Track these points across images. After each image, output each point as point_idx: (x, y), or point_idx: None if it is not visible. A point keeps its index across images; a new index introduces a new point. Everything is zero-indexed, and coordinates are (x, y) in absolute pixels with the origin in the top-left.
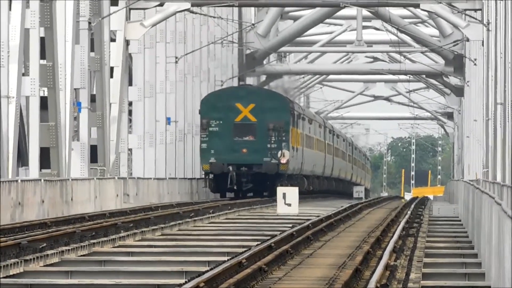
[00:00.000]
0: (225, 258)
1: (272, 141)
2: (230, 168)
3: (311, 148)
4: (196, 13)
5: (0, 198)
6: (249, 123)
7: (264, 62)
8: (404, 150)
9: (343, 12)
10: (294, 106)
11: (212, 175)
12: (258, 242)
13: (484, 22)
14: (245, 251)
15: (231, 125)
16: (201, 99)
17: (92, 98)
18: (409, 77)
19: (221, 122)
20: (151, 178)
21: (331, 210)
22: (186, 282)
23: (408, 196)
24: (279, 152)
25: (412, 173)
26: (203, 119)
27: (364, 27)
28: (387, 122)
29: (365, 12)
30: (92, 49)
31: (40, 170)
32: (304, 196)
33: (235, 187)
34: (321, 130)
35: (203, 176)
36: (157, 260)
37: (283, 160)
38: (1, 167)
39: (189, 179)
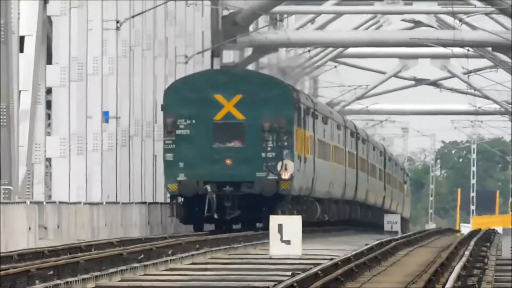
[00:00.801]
0: None
1: (269, 148)
2: (208, 188)
3: (326, 158)
4: None
5: None
6: (235, 123)
7: (250, 28)
8: (461, 160)
9: None
10: (300, 96)
11: (182, 199)
12: None
13: None
14: None
15: (208, 125)
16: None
17: None
18: (468, 50)
19: (193, 121)
20: (80, 203)
21: (351, 251)
22: None
23: (466, 229)
24: (279, 164)
25: (472, 194)
26: (167, 117)
27: None
28: (434, 119)
29: None
30: None
31: None
32: (312, 229)
33: (215, 216)
34: (340, 132)
35: (167, 200)
36: None
37: (285, 175)
38: None
39: (142, 203)
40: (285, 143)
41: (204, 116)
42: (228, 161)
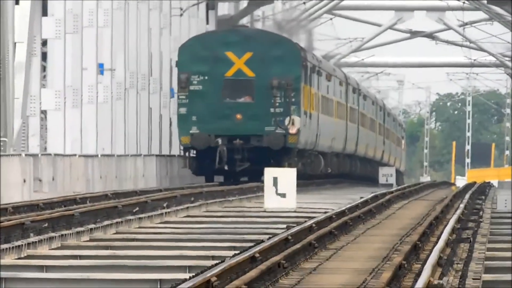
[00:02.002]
0: (186, 275)
1: (277, 104)
2: (219, 141)
3: (329, 114)
4: None
5: None
6: (245, 79)
7: None
8: (456, 113)
9: None
10: (307, 55)
11: (194, 151)
12: (235, 252)
13: None
14: (215, 264)
15: (220, 82)
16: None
17: None
18: (464, 3)
19: (206, 78)
20: (75, 155)
21: (345, 204)
22: None
23: (461, 182)
24: (287, 119)
25: (468, 147)
26: (181, 74)
27: None
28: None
29: None
30: None
31: None
32: (306, 182)
33: (226, 168)
34: (342, 88)
35: (179, 152)
36: (84, 278)
37: (293, 130)
38: None
39: (138, 155)
40: (293, 100)
41: (216, 73)
42: (238, 116)
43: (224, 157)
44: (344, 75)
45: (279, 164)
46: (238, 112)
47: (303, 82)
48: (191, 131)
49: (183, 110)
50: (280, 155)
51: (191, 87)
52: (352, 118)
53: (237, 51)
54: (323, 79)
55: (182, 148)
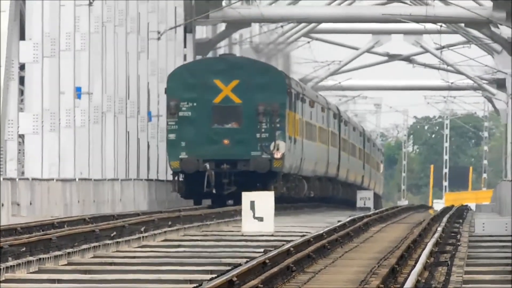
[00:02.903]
0: None
1: (263, 129)
2: (207, 165)
3: (312, 139)
4: None
5: None
6: (232, 106)
7: (223, 3)
8: (434, 136)
9: None
10: (292, 83)
11: (183, 175)
12: (213, 276)
13: None
14: None
15: (208, 108)
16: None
17: None
18: (441, 26)
19: (195, 104)
20: (53, 180)
21: (323, 227)
22: None
23: (439, 205)
24: (272, 144)
25: (445, 170)
26: (170, 101)
27: None
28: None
29: None
30: None
31: None
32: (283, 206)
33: (214, 191)
34: (324, 114)
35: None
36: None
37: (278, 155)
38: None
39: (115, 180)
40: (278, 125)
41: (204, 100)
42: (225, 141)
43: (212, 181)
44: (325, 101)
45: (265, 188)
46: (225, 137)
47: (288, 109)
48: (180, 156)
49: (172, 136)
50: (266, 179)
51: (180, 113)
52: (333, 143)
53: (224, 79)
54: (307, 105)
55: (171, 172)
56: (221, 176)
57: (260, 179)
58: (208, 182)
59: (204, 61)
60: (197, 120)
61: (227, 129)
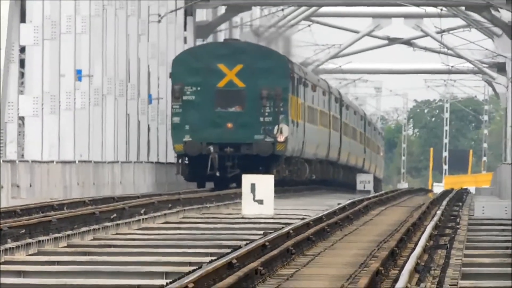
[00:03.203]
0: (163, 281)
1: (266, 113)
2: (211, 148)
3: (314, 123)
4: None
5: None
6: (236, 90)
7: None
8: (433, 119)
9: None
10: (295, 67)
11: (187, 158)
12: (212, 258)
13: None
14: (193, 271)
15: (212, 92)
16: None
17: None
18: (441, 10)
19: (199, 88)
20: (52, 162)
21: (323, 210)
22: None
23: (438, 188)
24: (275, 128)
25: (445, 154)
26: (175, 85)
27: None
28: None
29: None
30: None
31: None
32: (283, 189)
33: (217, 174)
34: (325, 98)
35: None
36: (61, 284)
37: (281, 138)
38: None
39: (115, 162)
40: (281, 109)
41: (208, 84)
42: (229, 125)
43: (216, 164)
44: (327, 85)
45: (268, 171)
46: (229, 121)
47: (291, 93)
48: (184, 139)
49: (176, 119)
50: (269, 162)
51: (185, 97)
52: (335, 127)
53: (228, 63)
54: (309, 89)
55: (175, 155)
56: (225, 159)
57: (263, 162)
58: (211, 165)
59: (208, 45)
60: (201, 104)
61: (230, 113)
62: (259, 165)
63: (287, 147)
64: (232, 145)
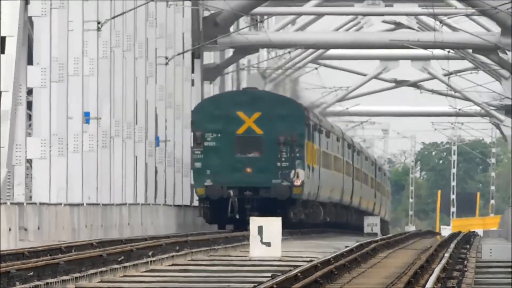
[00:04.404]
0: None
1: (283, 159)
2: (231, 192)
3: (328, 168)
4: None
5: None
6: (255, 136)
7: (231, 29)
8: (441, 162)
9: None
10: (310, 115)
11: (208, 202)
12: None
13: None
14: None
15: (231, 138)
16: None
17: None
18: (448, 52)
19: (219, 135)
20: (60, 204)
21: (331, 253)
22: None
23: (446, 231)
24: (292, 172)
25: (453, 196)
26: (196, 131)
27: None
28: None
29: None
30: None
31: None
32: (290, 231)
33: (237, 216)
34: (339, 144)
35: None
36: None
37: (297, 182)
38: None
39: (123, 204)
40: (297, 155)
41: (228, 131)
42: (248, 169)
43: (236, 207)
44: (341, 131)
45: (285, 213)
46: (248, 166)
47: (307, 139)
48: (205, 183)
49: (198, 164)
50: (286, 205)
51: (206, 143)
52: (348, 172)
53: (247, 111)
54: (323, 135)
55: (197, 199)
56: (244, 202)
57: (281, 205)
58: (232, 208)
59: (227, 94)
60: (221, 150)
61: (249, 158)
62: (277, 208)
63: (303, 190)
64: (251, 188)
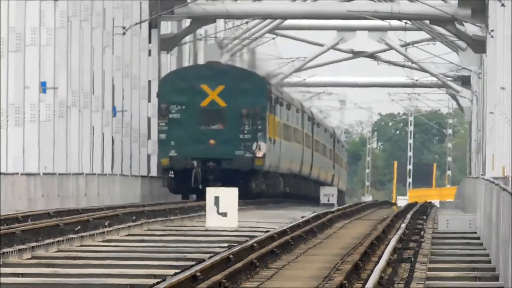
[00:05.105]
0: None
1: (246, 131)
2: (195, 163)
3: (288, 140)
4: None
5: None
6: (218, 109)
7: None
8: (398, 132)
9: None
10: (272, 88)
11: (172, 172)
12: (176, 271)
13: None
14: (156, 283)
15: (196, 111)
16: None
17: None
18: (406, 23)
19: (183, 107)
20: (17, 174)
21: (287, 223)
22: None
23: (402, 202)
24: (254, 144)
25: (409, 167)
26: (161, 103)
27: None
28: (372, 91)
29: None
30: None
31: None
32: (246, 202)
33: (200, 187)
34: (298, 116)
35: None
36: None
37: (259, 154)
38: None
39: (80, 174)
40: (259, 127)
41: (192, 103)
42: (211, 141)
43: (199, 177)
44: (300, 104)
45: (247, 184)
46: (211, 137)
47: (269, 112)
48: (170, 154)
49: (163, 136)
50: (248, 176)
51: (170, 116)
52: (307, 144)
53: (211, 84)
54: (284, 108)
55: (162, 169)
56: (207, 173)
57: (242, 177)
58: (195, 179)
59: (192, 67)
60: (186, 122)
61: (213, 130)
62: (239, 178)
63: (265, 162)
64: (214, 160)
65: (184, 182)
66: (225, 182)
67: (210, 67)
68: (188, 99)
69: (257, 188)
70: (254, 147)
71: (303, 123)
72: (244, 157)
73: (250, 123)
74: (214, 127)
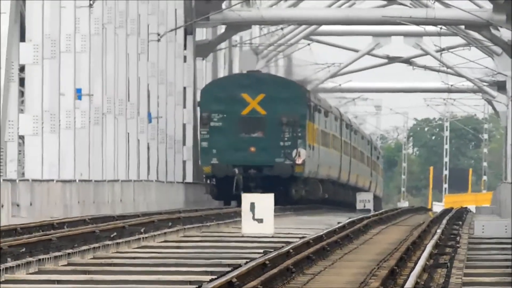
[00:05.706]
0: None
1: (286, 138)
2: (236, 170)
3: (327, 146)
4: None
5: None
6: (258, 117)
7: (223, 5)
8: (433, 138)
9: None
10: (311, 96)
11: (214, 179)
12: (212, 277)
13: None
14: None
15: (236, 119)
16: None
17: None
18: (441, 28)
19: (224, 116)
20: (52, 180)
21: (323, 229)
22: None
23: (438, 207)
24: (294, 151)
25: (445, 172)
26: (203, 112)
27: None
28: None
29: None
30: None
31: None
32: (282, 208)
33: (241, 193)
34: (337, 123)
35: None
36: None
37: (299, 161)
38: None
39: (115, 181)
40: (299, 134)
41: (233, 111)
42: (252, 149)
43: (240, 184)
44: (338, 111)
45: (287, 191)
46: (252, 145)
47: (308, 119)
48: (211, 162)
49: (204, 144)
50: (288, 182)
51: (212, 124)
52: (345, 151)
53: (251, 93)
54: (322, 116)
55: (204, 176)
56: (248, 180)
57: (283, 183)
58: (236, 185)
59: (232, 77)
60: (227, 130)
61: (253, 138)
62: (280, 185)
63: (304, 169)
64: (255, 167)
65: (226, 189)
66: (266, 188)
67: (250, 76)
68: (229, 107)
69: (297, 194)
70: (294, 154)
71: (341, 130)
72: (284, 164)
73: (290, 131)
74: (255, 135)
